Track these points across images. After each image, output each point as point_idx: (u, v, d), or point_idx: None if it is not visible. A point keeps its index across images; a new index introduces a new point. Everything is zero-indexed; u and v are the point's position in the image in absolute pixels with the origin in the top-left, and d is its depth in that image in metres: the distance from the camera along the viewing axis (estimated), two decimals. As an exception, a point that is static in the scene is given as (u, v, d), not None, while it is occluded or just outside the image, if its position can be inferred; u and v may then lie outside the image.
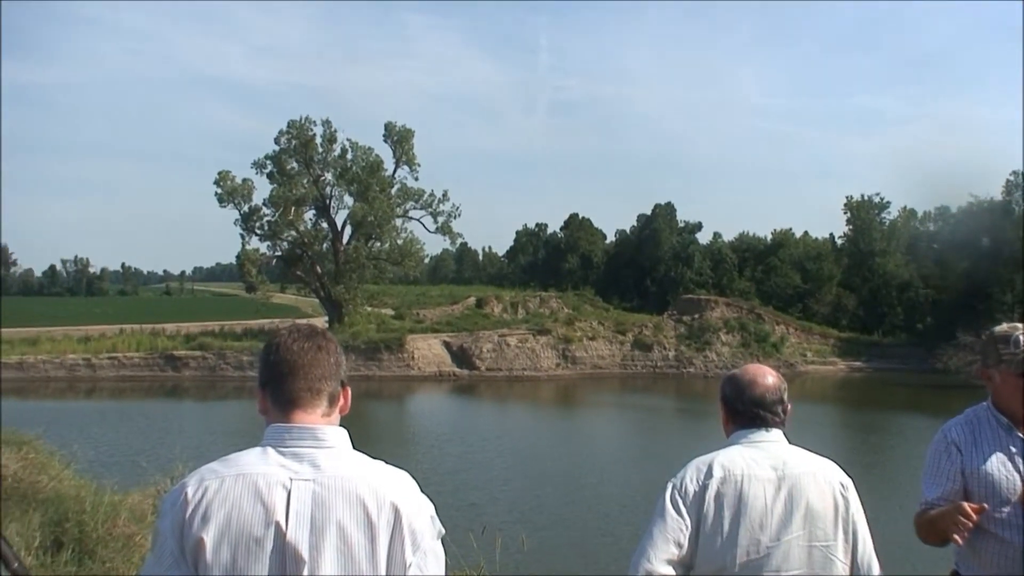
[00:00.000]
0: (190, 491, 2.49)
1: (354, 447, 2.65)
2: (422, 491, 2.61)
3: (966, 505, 3.64)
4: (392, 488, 2.52)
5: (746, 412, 3.66)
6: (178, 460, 11.03)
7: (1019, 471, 3.82)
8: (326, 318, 65.26)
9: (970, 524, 3.60)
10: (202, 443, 30.37)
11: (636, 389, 61.68)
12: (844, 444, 39.37)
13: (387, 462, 2.62)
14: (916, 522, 4.01)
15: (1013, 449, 3.86)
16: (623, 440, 38.84)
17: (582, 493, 25.40)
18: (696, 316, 75.52)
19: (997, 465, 3.85)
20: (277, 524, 2.42)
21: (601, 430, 43.26)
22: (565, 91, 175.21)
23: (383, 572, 2.44)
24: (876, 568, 3.54)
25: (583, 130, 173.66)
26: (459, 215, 69.77)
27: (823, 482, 3.53)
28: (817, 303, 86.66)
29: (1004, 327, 3.97)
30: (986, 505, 3.68)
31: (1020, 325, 3.95)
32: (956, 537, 3.63)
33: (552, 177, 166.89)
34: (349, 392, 2.76)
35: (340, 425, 2.69)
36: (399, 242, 68.43)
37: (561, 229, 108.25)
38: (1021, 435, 3.88)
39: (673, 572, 3.34)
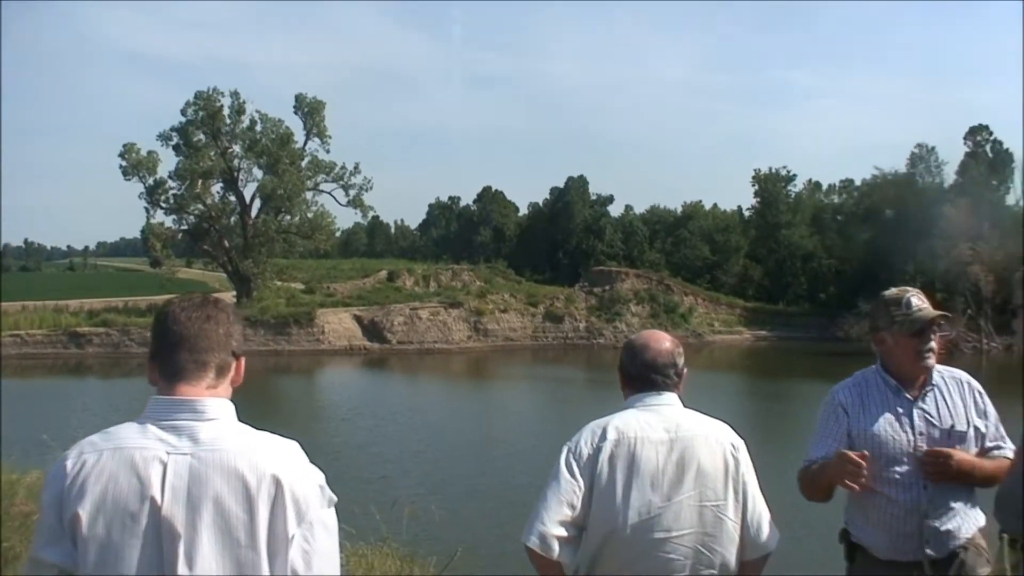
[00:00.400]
0: (69, 464, 2.45)
1: (262, 422, 2.61)
2: (312, 461, 2.55)
3: (849, 452, 3.75)
4: (274, 459, 2.45)
5: (639, 376, 3.70)
6: (81, 437, 10.78)
7: (906, 431, 3.92)
8: (234, 293, 64.30)
9: (860, 470, 3.70)
10: (109, 421, 29.70)
11: (547, 360, 62.04)
12: (748, 411, 40.13)
13: (282, 434, 2.57)
14: (800, 478, 4.12)
15: (900, 410, 3.96)
16: (534, 411, 39.03)
17: (494, 464, 25.49)
18: (607, 288, 76.09)
19: (884, 426, 3.94)
20: (152, 499, 2.37)
21: (513, 402, 43.44)
22: (481, 64, 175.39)
23: (263, 546, 2.38)
24: (766, 527, 3.61)
25: (498, 103, 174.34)
26: (371, 188, 69.26)
27: (714, 443, 3.59)
28: (725, 274, 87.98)
29: (894, 291, 4.06)
30: (867, 452, 3.78)
31: (910, 288, 4.05)
32: (852, 484, 3.74)
33: (466, 150, 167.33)
34: (243, 363, 2.68)
35: (245, 399, 2.64)
36: (309, 215, 67.73)
37: (474, 202, 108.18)
38: (909, 396, 3.98)
39: (566, 533, 3.40)
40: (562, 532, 3.39)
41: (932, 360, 3.99)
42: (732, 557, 3.56)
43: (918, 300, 3.99)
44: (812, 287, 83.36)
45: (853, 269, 75.29)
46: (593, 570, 3.52)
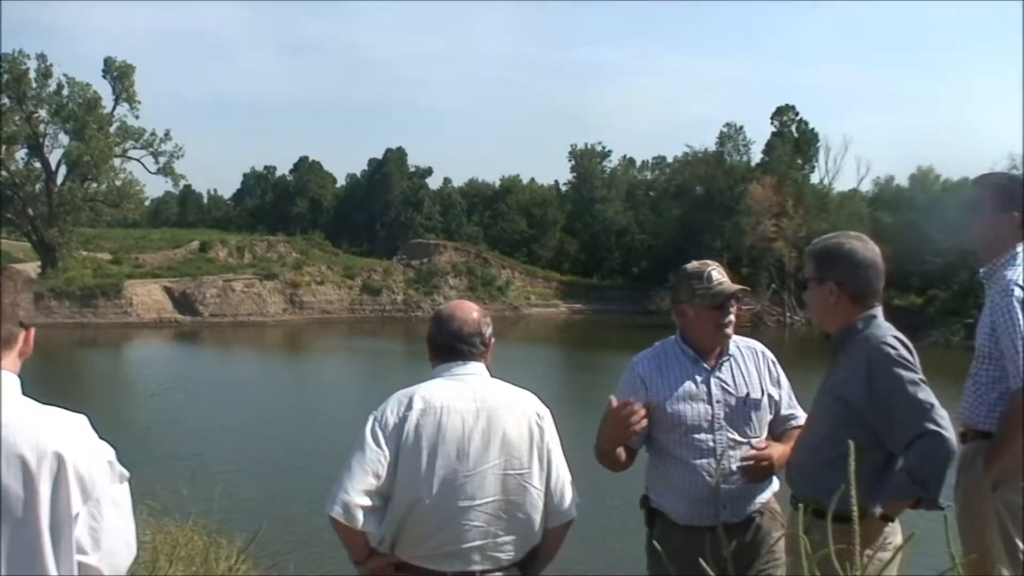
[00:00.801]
0: None
1: (64, 398, 2.53)
2: (101, 436, 2.48)
3: (612, 399, 3.93)
4: (56, 436, 2.38)
5: (446, 346, 3.74)
6: None
7: (703, 399, 4.05)
8: (39, 263, 61.66)
9: (630, 414, 3.84)
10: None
11: (364, 333, 61.79)
12: (563, 382, 40.93)
13: (83, 411, 2.49)
14: (597, 450, 4.16)
15: (698, 378, 4.08)
16: (351, 384, 38.82)
17: (310, 438, 25.27)
18: (425, 260, 76.26)
19: (682, 394, 4.06)
20: None
21: (329, 375, 43.14)
22: (297, 31, 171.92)
23: (45, 524, 2.32)
24: (569, 494, 3.70)
25: (315, 72, 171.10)
26: (182, 156, 67.44)
27: (520, 413, 3.65)
28: (541, 248, 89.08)
29: (696, 264, 4.17)
30: (632, 400, 3.92)
31: (711, 262, 4.17)
32: (635, 428, 3.87)
33: (282, 119, 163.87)
34: (31, 335, 2.57)
35: (47, 373, 2.53)
36: (117, 183, 65.40)
37: (291, 172, 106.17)
38: (706, 366, 4.10)
39: (371, 503, 3.42)
40: (366, 502, 3.41)
41: (730, 331, 4.12)
42: (536, 524, 3.63)
43: (718, 274, 4.10)
44: (626, 261, 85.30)
45: (665, 244, 77.40)
46: (398, 539, 3.53)
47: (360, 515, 3.40)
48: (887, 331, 3.61)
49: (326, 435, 24.43)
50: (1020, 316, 3.89)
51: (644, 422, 3.94)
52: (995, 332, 4.00)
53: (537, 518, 3.64)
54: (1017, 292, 3.94)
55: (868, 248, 3.71)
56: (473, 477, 3.51)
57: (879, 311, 3.70)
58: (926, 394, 3.42)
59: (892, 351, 3.50)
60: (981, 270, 4.25)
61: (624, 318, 65.10)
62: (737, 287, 4.12)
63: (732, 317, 4.10)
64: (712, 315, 4.06)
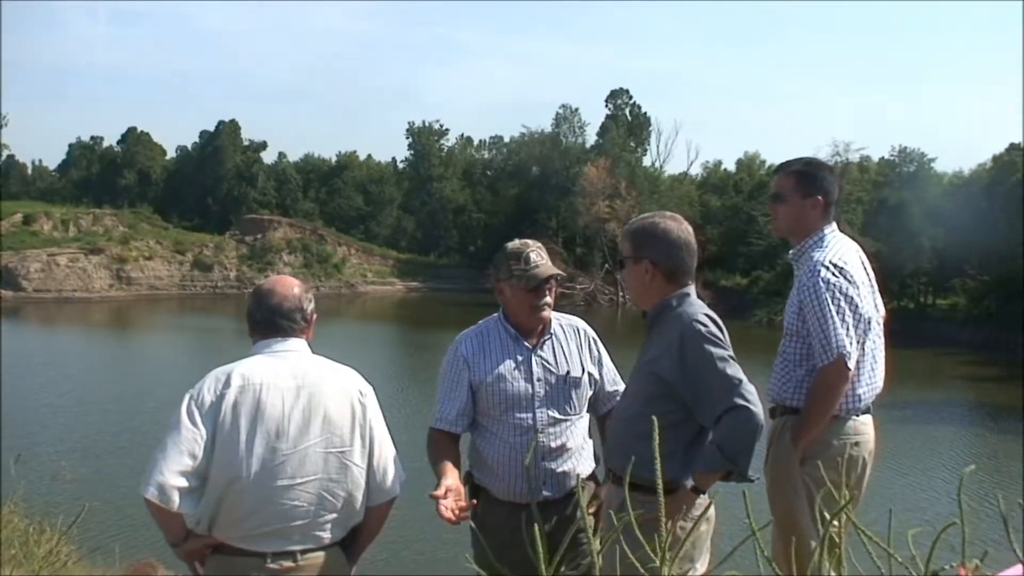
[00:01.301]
0: None
1: None
2: None
3: (447, 500, 3.75)
4: None
5: (266, 321, 3.67)
6: None
7: (524, 377, 4.12)
8: None
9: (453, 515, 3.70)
10: None
11: (195, 310, 60.56)
12: (398, 361, 41.01)
13: None
14: (432, 438, 4.15)
15: (520, 357, 4.14)
16: (182, 362, 37.93)
17: (140, 419, 24.80)
18: (259, 236, 75.16)
19: (504, 372, 4.11)
20: None
21: (158, 353, 42.14)
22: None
23: None
24: (391, 472, 3.70)
25: (146, 41, 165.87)
26: (6, 124, 64.83)
27: (342, 390, 3.62)
28: (379, 225, 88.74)
29: (516, 244, 4.21)
30: (451, 487, 3.79)
31: (531, 243, 4.22)
32: (449, 516, 3.71)
33: (110, 89, 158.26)
34: None
35: None
36: (-68, 153, 62.43)
37: (118, 143, 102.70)
38: (528, 344, 4.17)
39: (187, 483, 3.32)
40: (183, 482, 3.30)
41: (547, 313, 4.16)
42: (358, 502, 3.61)
43: (537, 256, 4.14)
44: (463, 240, 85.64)
45: (501, 223, 77.94)
46: (215, 520, 3.45)
47: (176, 496, 3.29)
48: (699, 309, 3.69)
49: (154, 415, 23.97)
50: (826, 295, 4.06)
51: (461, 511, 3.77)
52: (802, 311, 4.16)
53: (359, 496, 3.61)
54: (823, 272, 4.10)
55: (682, 228, 3.83)
56: (293, 455, 3.45)
57: (692, 289, 3.80)
58: (735, 370, 3.50)
59: (703, 328, 3.57)
60: (790, 252, 4.40)
61: (460, 296, 65.37)
62: (553, 271, 4.15)
63: (549, 299, 4.15)
64: (528, 296, 4.10)
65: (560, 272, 4.25)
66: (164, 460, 3.30)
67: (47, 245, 64.77)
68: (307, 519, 3.49)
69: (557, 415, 4.13)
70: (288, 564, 3.48)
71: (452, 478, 3.87)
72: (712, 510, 3.60)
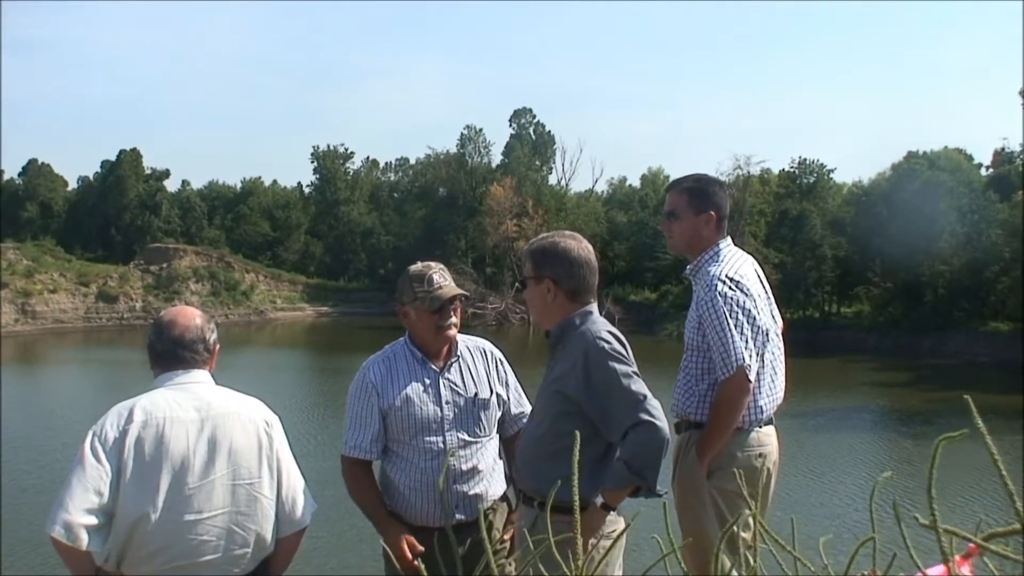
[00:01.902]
0: None
1: None
2: None
3: (403, 549, 3.96)
4: None
5: (166, 353, 3.62)
6: None
7: (433, 400, 4.17)
8: None
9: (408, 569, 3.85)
10: None
11: (102, 343, 59.29)
12: (309, 387, 40.65)
13: None
14: (349, 468, 4.22)
15: (427, 380, 4.19)
16: (89, 398, 37.22)
17: (46, 456, 24.29)
18: (164, 265, 74.01)
19: (412, 396, 4.15)
20: None
21: (65, 389, 41.23)
22: (24, 29, 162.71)
23: None
24: (301, 501, 3.69)
25: (43, 71, 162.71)
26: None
27: (247, 421, 3.59)
28: (286, 251, 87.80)
29: (419, 266, 4.27)
30: (411, 545, 3.99)
31: (433, 264, 4.29)
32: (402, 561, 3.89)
33: (8, 120, 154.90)
34: None
35: None
36: None
37: (19, 175, 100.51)
38: (435, 367, 4.21)
39: (95, 521, 3.27)
40: (90, 520, 3.25)
41: (452, 333, 4.21)
42: (268, 534, 3.58)
43: (439, 277, 4.20)
44: (372, 263, 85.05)
45: (410, 245, 77.53)
46: (123, 557, 3.40)
47: (84, 534, 3.24)
48: (602, 326, 3.72)
49: (63, 451, 23.52)
50: (724, 309, 4.11)
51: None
52: (701, 326, 4.20)
53: (269, 528, 3.58)
54: (720, 287, 4.15)
55: (582, 247, 3.82)
56: (200, 489, 3.42)
57: (594, 307, 3.83)
58: (639, 386, 3.54)
59: (606, 345, 3.60)
60: (687, 268, 4.46)
61: (371, 319, 65.03)
62: (456, 291, 4.21)
63: (455, 319, 4.20)
64: (433, 318, 4.15)
65: (464, 292, 4.31)
66: (70, 498, 3.26)
67: (-53, 281, 63.08)
68: (217, 553, 3.46)
69: (467, 437, 4.17)
70: None
71: (398, 527, 4.04)
72: (622, 526, 3.62)
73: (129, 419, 3.43)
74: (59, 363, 51.26)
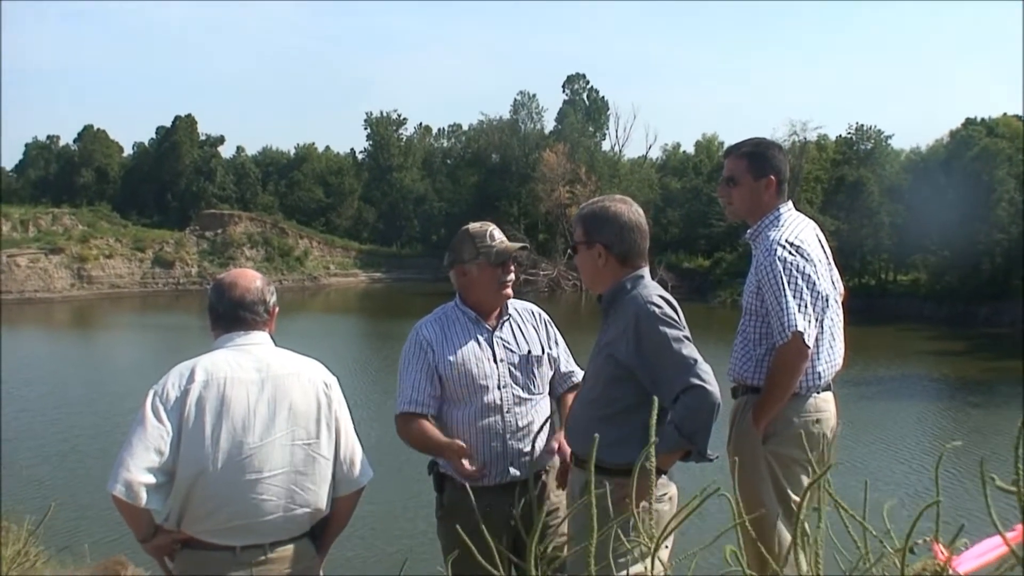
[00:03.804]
0: None
1: None
2: None
3: (463, 453, 3.99)
4: None
5: (227, 314, 3.66)
6: None
7: (488, 358, 4.17)
8: None
9: (470, 471, 3.94)
10: None
11: (158, 308, 60.07)
12: (364, 353, 40.89)
13: None
14: (403, 423, 4.20)
15: (482, 339, 4.20)
16: (146, 362, 37.74)
17: (105, 419, 24.65)
18: (219, 231, 74.71)
19: (468, 355, 4.15)
20: None
21: (123, 353, 41.72)
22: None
23: None
24: (358, 463, 3.71)
25: (98, 38, 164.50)
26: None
27: (307, 382, 3.61)
28: (339, 217, 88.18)
29: (477, 225, 4.28)
30: (476, 468, 4.01)
31: (490, 223, 4.30)
32: (469, 468, 3.95)
33: (65, 87, 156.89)
34: None
35: None
36: None
37: (75, 142, 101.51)
38: (488, 327, 4.23)
39: (154, 480, 3.31)
40: (150, 479, 3.29)
41: (510, 291, 4.24)
42: (325, 494, 3.61)
43: (499, 234, 4.23)
44: (424, 229, 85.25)
45: (462, 211, 77.58)
46: (184, 515, 3.44)
47: (143, 493, 3.27)
48: (653, 291, 3.69)
49: (121, 414, 23.89)
50: (783, 274, 4.07)
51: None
52: (760, 290, 4.17)
53: (326, 488, 3.61)
54: (779, 251, 4.11)
55: (633, 211, 3.80)
56: (260, 449, 3.44)
57: (646, 271, 3.80)
58: (690, 350, 3.51)
59: (657, 310, 3.58)
60: (747, 232, 4.39)
61: (423, 285, 65.29)
62: (518, 245, 4.26)
63: (513, 276, 4.22)
64: (495, 273, 4.16)
65: (525, 245, 4.39)
66: (130, 457, 3.29)
67: (6, 246, 63.94)
68: (276, 512, 3.49)
69: (522, 394, 4.18)
70: (259, 557, 3.49)
71: (458, 443, 4.04)
72: (674, 491, 3.66)
73: (191, 379, 3.46)
74: (116, 328, 51.96)
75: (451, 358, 4.15)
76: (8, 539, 6.51)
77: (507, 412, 4.12)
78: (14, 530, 6.93)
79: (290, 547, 3.56)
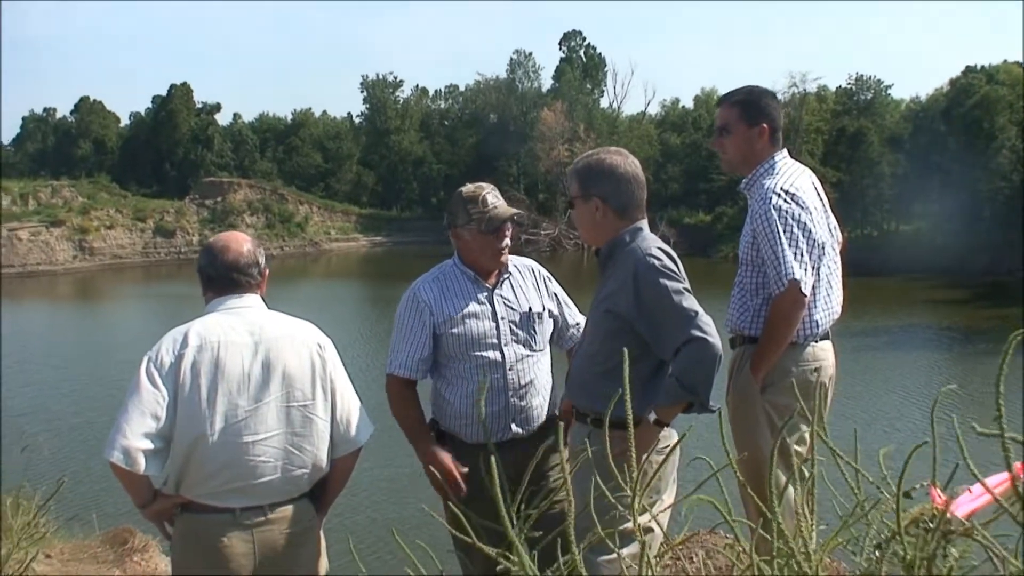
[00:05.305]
0: None
1: None
2: None
3: (456, 477, 3.96)
4: None
5: (219, 277, 3.65)
6: None
7: (488, 316, 4.15)
8: None
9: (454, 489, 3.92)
10: None
11: (161, 277, 60.08)
12: (368, 317, 40.93)
13: None
14: (394, 385, 4.19)
15: (482, 297, 4.17)
16: (153, 332, 37.71)
17: (111, 390, 24.71)
18: (219, 199, 74.67)
19: (469, 314, 4.13)
20: None
21: (128, 323, 41.79)
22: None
23: None
24: (356, 422, 3.73)
25: (91, 7, 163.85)
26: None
27: (300, 344, 3.63)
28: (339, 182, 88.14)
29: (471, 188, 4.19)
30: (460, 473, 3.99)
31: (486, 185, 4.22)
32: (448, 489, 3.92)
33: (58, 59, 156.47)
34: None
35: None
36: None
37: (71, 113, 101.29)
38: (487, 285, 4.19)
39: (152, 445, 3.32)
40: (148, 444, 3.30)
41: (506, 255, 4.20)
42: (323, 455, 3.63)
43: (493, 198, 4.14)
44: (424, 191, 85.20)
45: (462, 173, 77.41)
46: (182, 479, 3.47)
47: (141, 458, 3.29)
48: (652, 243, 3.67)
49: (125, 385, 23.98)
50: (778, 222, 4.03)
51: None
52: (756, 240, 4.14)
53: (324, 448, 3.63)
54: (774, 199, 4.07)
55: (629, 162, 3.76)
56: (256, 411, 3.46)
57: (644, 224, 3.77)
58: (690, 302, 3.49)
59: (656, 262, 3.56)
60: (743, 182, 4.36)
61: (425, 248, 65.01)
62: (512, 211, 4.17)
63: (508, 241, 4.17)
64: (488, 239, 4.11)
65: (518, 212, 4.27)
66: (127, 423, 3.31)
67: (7, 220, 63.80)
68: (274, 474, 3.51)
69: (523, 351, 4.16)
70: (258, 519, 3.52)
71: (444, 452, 4.03)
72: (675, 442, 3.62)
73: (184, 343, 3.46)
74: (120, 298, 52.01)
75: (451, 318, 4.13)
76: (19, 511, 6.56)
77: (509, 370, 4.11)
78: (24, 504, 6.98)
79: (289, 508, 3.60)
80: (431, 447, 4.08)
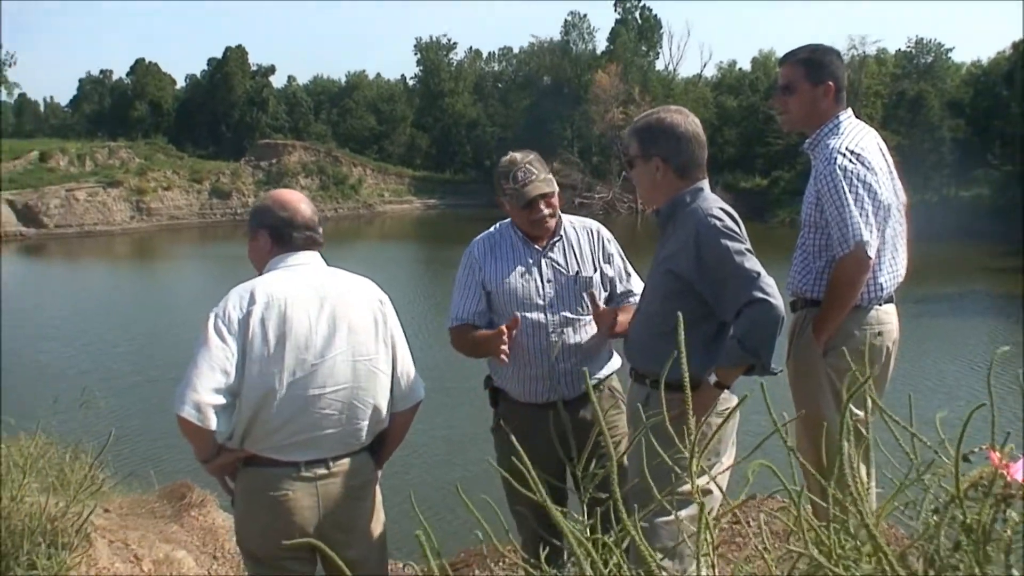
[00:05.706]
0: None
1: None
2: None
3: (504, 329, 3.97)
4: None
5: (284, 236, 3.70)
6: None
7: (535, 278, 4.17)
8: None
9: (502, 342, 3.94)
10: None
11: (217, 238, 60.57)
12: (422, 278, 41.10)
13: None
14: (454, 336, 4.27)
15: (530, 260, 4.20)
16: (211, 292, 38.08)
17: (168, 348, 24.99)
18: (274, 161, 75.05)
19: (515, 274, 4.17)
20: None
21: (186, 283, 42.20)
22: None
23: None
24: (414, 376, 3.80)
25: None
26: (14, 63, 64.43)
27: (363, 299, 3.69)
28: (392, 144, 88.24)
29: (506, 162, 4.20)
30: (516, 317, 4.02)
31: (519, 158, 4.19)
32: (503, 357, 3.94)
33: (115, 20, 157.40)
34: None
35: None
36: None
37: (128, 75, 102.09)
38: (537, 247, 4.21)
39: (222, 400, 3.35)
40: (218, 400, 3.33)
41: (549, 223, 4.19)
42: (384, 408, 3.69)
43: (524, 174, 4.12)
44: (477, 154, 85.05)
45: (515, 136, 77.28)
46: (248, 434, 3.50)
47: (212, 414, 3.31)
48: (714, 203, 3.63)
49: (184, 343, 24.26)
50: (843, 183, 3.96)
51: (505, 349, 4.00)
52: (820, 201, 4.07)
53: (385, 402, 3.68)
54: (839, 160, 3.99)
55: (689, 121, 3.71)
56: (322, 365, 3.50)
57: (705, 184, 3.74)
58: (753, 263, 3.45)
59: (718, 223, 3.52)
60: (806, 142, 4.27)
61: (478, 211, 65.08)
62: (540, 191, 4.13)
63: (546, 210, 4.16)
64: (523, 213, 4.15)
65: (549, 191, 4.19)
66: (198, 378, 3.32)
67: (64, 181, 64.73)
68: (338, 427, 3.56)
69: (569, 315, 4.15)
70: (321, 471, 3.57)
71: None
72: (735, 405, 3.54)
73: (251, 300, 3.49)
74: (177, 259, 52.55)
75: (497, 276, 4.19)
76: (76, 465, 6.65)
77: (552, 332, 4.11)
78: (81, 457, 7.09)
79: (350, 461, 3.64)
80: (489, 335, 4.09)
